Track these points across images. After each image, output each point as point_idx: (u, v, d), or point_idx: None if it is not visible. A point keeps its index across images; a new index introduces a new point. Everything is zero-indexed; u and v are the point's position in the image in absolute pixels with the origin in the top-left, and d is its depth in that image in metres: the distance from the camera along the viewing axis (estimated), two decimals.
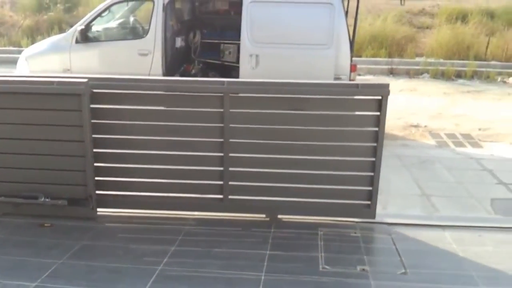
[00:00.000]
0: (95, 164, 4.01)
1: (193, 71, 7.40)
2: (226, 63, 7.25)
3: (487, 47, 15.41)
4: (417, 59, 15.04)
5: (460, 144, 7.20)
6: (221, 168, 4.04)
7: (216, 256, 3.50)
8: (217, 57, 7.41)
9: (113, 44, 6.97)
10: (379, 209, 4.09)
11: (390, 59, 14.49)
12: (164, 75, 6.57)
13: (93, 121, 3.91)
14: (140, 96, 4.02)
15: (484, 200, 5.03)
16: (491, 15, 18.45)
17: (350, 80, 6.36)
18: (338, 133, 4.01)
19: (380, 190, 4.04)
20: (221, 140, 3.98)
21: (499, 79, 13.85)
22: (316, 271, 3.31)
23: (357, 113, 4.05)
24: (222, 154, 4.01)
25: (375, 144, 3.90)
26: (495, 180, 5.69)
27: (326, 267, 3.37)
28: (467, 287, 3.16)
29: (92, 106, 3.88)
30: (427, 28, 18.02)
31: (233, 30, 6.67)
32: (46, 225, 4.00)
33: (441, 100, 9.94)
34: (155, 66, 6.59)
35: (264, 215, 4.16)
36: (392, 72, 14.03)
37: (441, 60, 14.60)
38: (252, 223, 4.05)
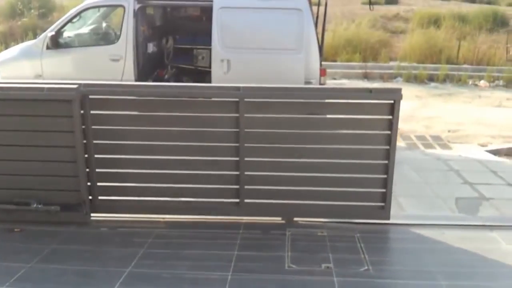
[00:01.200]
0: (87, 170, 4.03)
1: (166, 76, 7.44)
2: (199, 68, 7.31)
3: (458, 51, 15.80)
4: (391, 63, 15.33)
5: (429, 146, 7.39)
6: (237, 173, 4.09)
7: (185, 258, 3.54)
8: (190, 62, 7.47)
9: (84, 50, 6.98)
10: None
11: (364, 63, 14.74)
12: (136, 80, 6.59)
13: (83, 126, 3.93)
14: (140, 102, 4.08)
15: (449, 199, 5.19)
16: (462, 19, 18.91)
17: (320, 84, 6.48)
18: (352, 137, 4.10)
19: None
20: (237, 144, 4.02)
21: (470, 82, 14.20)
22: (282, 270, 3.38)
23: (370, 117, 4.09)
24: (237, 159, 4.05)
25: (388, 147, 4.00)
26: (461, 180, 5.87)
27: (292, 265, 3.44)
28: (426, 282, 3.26)
29: (83, 111, 3.90)
30: (401, 32, 18.38)
31: (206, 36, 6.73)
32: (16, 230, 3.98)
33: (413, 103, 10.16)
34: (127, 72, 6.61)
35: (280, 218, 4.24)
36: (366, 76, 14.26)
37: (414, 64, 14.91)
38: (223, 225, 4.10)
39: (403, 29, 18.60)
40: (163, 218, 4.20)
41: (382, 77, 14.27)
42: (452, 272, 3.39)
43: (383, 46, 16.38)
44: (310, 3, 6.44)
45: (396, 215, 4.54)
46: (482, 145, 7.81)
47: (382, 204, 4.11)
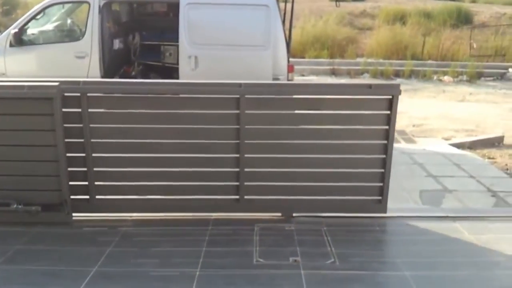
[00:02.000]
0: (69, 169, 3.95)
1: (133, 73, 7.36)
2: (167, 65, 7.26)
3: (423, 47, 16.18)
4: (358, 59, 15.59)
5: (394, 140, 7.54)
6: (237, 169, 4.07)
7: (153, 255, 3.52)
8: (158, 59, 7.42)
9: (49, 47, 6.85)
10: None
11: (332, 60, 14.95)
12: (102, 77, 6.50)
13: (65, 125, 3.85)
14: (135, 100, 4.01)
15: (413, 191, 5.32)
16: (427, 16, 19.38)
17: (288, 80, 6.53)
18: (351, 132, 4.12)
19: None
20: (237, 141, 4.01)
21: (435, 77, 14.58)
22: (250, 265, 3.40)
23: (369, 112, 4.13)
24: (238, 155, 4.04)
25: (385, 142, 4.04)
26: (425, 173, 6.03)
27: (260, 260, 3.47)
28: (391, 273, 3.35)
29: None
30: (368, 29, 18.70)
31: (173, 32, 6.69)
32: None
33: None
34: (93, 69, 6.52)
35: (280, 214, 4.24)
36: (334, 73, 14.47)
37: (381, 60, 15.21)
38: (192, 222, 4.09)
39: (370, 25, 18.92)
40: (131, 216, 4.17)
41: (349, 73, 14.50)
42: (416, 263, 3.48)
43: (350, 43, 16.63)
44: (277, 0, 6.48)
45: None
46: (446, 139, 8.05)
47: (380, 198, 4.19)
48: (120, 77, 7.06)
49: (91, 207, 4.12)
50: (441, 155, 6.85)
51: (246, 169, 4.06)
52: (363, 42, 17.32)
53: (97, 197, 4.09)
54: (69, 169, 4.01)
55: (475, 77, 14.62)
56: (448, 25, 18.83)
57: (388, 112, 3.99)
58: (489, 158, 7.16)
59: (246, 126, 3.97)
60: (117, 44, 7.24)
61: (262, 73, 6.30)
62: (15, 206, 3.89)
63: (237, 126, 3.98)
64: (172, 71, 6.96)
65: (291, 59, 6.74)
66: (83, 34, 6.64)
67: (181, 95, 4.10)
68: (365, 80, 14.18)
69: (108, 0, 6.64)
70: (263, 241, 3.75)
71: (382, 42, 16.22)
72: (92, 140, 3.96)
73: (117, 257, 3.50)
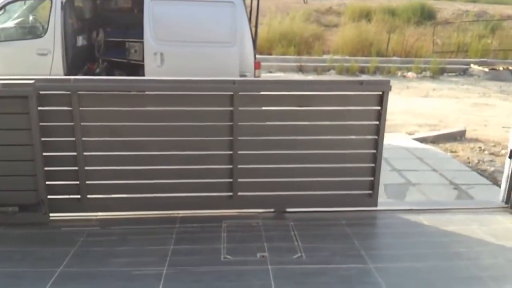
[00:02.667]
0: (46, 168, 3.86)
1: (97, 70, 7.22)
2: (132, 62, 7.16)
3: (388, 44, 16.49)
4: (324, 56, 15.75)
5: None
6: (231, 166, 4.06)
7: (119, 255, 3.48)
8: (123, 56, 7.30)
9: (10, 44, 6.64)
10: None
11: (299, 57, 15.06)
12: (65, 74, 6.36)
13: (41, 124, 3.74)
14: (128, 97, 3.95)
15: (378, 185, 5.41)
16: (392, 13, 19.75)
17: (255, 77, 6.54)
18: (343, 128, 4.15)
19: None
20: (231, 138, 3.99)
21: (399, 73, 14.88)
22: (218, 261, 3.40)
23: (360, 108, 4.16)
24: (231, 152, 4.02)
25: (376, 137, 4.10)
26: (389, 167, 6.15)
27: (228, 256, 3.47)
28: (356, 266, 3.40)
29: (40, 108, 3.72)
30: (334, 26, 18.92)
31: (138, 28, 6.59)
32: None
33: None
34: (56, 66, 6.37)
35: (272, 209, 4.26)
36: (301, 69, 14.58)
37: (346, 57, 15.41)
38: (158, 220, 4.05)
39: (336, 23, 19.15)
40: (96, 215, 4.10)
41: (316, 70, 14.63)
42: (380, 255, 3.56)
43: (316, 40, 16.79)
44: None
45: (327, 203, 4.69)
46: (410, 134, 8.24)
47: (370, 192, 4.26)
48: (84, 75, 6.91)
49: (82, 207, 4.04)
50: (405, 150, 7.00)
51: (239, 166, 4.07)
52: (329, 39, 17.52)
53: (88, 196, 4.02)
54: (59, 168, 3.96)
55: (438, 73, 15.00)
56: (412, 22, 19.27)
57: (379, 107, 4.05)
58: (451, 151, 7.37)
59: (240, 123, 3.98)
60: (80, 41, 7.09)
61: (229, 70, 6.29)
62: None
63: (231, 123, 3.98)
64: (137, 68, 6.86)
65: (258, 56, 6.75)
66: (45, 31, 6.47)
67: (174, 93, 4.04)
68: (332, 76, 14.35)
69: None
70: (231, 238, 3.76)
71: (348, 39, 16.44)
72: (84, 139, 3.88)
73: (82, 257, 3.44)
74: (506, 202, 4.48)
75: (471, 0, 27.46)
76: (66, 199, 4.05)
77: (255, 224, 4.01)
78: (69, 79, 3.93)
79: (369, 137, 4.16)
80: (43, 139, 3.80)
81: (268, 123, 4.11)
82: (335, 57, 15.30)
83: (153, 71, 6.25)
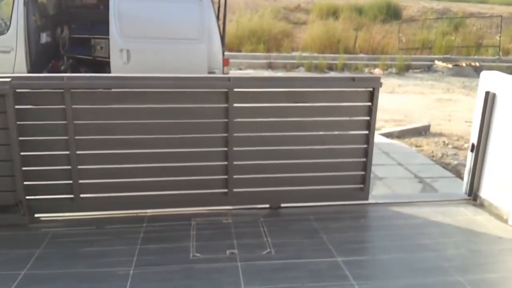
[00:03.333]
0: (24, 168, 3.74)
1: (63, 67, 7.07)
2: (98, 59, 7.03)
3: (355, 41, 16.71)
4: (293, 53, 15.84)
5: None
6: (226, 163, 4.05)
7: (84, 256, 3.41)
8: (88, 53, 7.17)
9: None
10: None
11: (268, 54, 15.09)
12: (29, 72, 6.20)
13: (19, 122, 3.64)
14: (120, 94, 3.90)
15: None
16: (359, 11, 20.02)
17: (223, 74, 6.53)
18: (335, 123, 4.21)
19: None
20: (226, 135, 3.99)
21: (366, 70, 15.10)
22: (187, 260, 3.37)
23: (352, 104, 4.26)
24: (226, 149, 4.02)
25: (367, 132, 4.17)
26: None
27: (197, 254, 3.45)
28: (325, 260, 3.44)
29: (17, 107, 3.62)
30: (303, 23, 19.05)
31: (104, 25, 6.48)
32: None
33: None
34: (19, 64, 6.20)
35: (268, 205, 4.29)
36: (270, 66, 14.62)
37: (315, 54, 15.54)
38: (125, 220, 3.99)
39: (304, 20, 19.29)
40: (61, 216, 4.01)
41: (285, 67, 14.70)
42: (348, 249, 3.61)
43: (285, 37, 16.87)
44: None
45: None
46: (376, 129, 8.35)
47: (362, 185, 4.33)
48: (49, 72, 6.77)
49: (75, 207, 3.96)
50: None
51: (235, 162, 4.07)
52: (298, 36, 17.63)
53: (82, 195, 3.94)
54: (52, 167, 3.89)
55: (403, 70, 15.30)
56: (378, 20, 19.59)
57: (370, 103, 4.15)
58: (416, 146, 7.54)
59: (235, 120, 3.98)
60: (44, 37, 6.92)
61: (197, 67, 6.26)
62: None
63: (226, 120, 3.98)
64: (103, 65, 6.75)
65: (227, 53, 6.74)
66: (7, 28, 6.28)
67: (170, 90, 4.00)
68: (301, 73, 14.44)
69: None
70: (200, 236, 3.74)
71: (316, 36, 16.59)
72: (76, 137, 3.79)
73: (47, 259, 3.36)
74: (469, 195, 4.62)
75: None
76: (56, 199, 3.96)
77: (225, 221, 4.01)
78: (62, 77, 3.84)
79: (361, 132, 4.25)
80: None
81: (262, 119, 4.15)
82: (304, 54, 15.41)
83: (119, 68, 6.16)
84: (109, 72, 6.29)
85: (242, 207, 4.27)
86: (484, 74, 4.55)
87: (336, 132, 4.28)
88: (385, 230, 3.97)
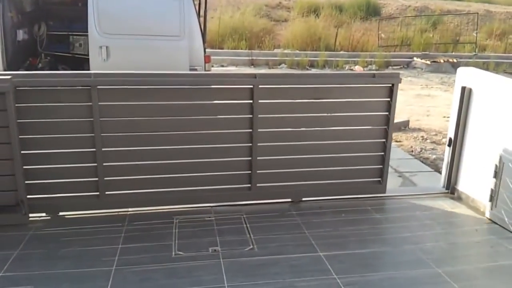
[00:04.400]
0: (25, 167, 3.71)
1: (40, 65, 6.95)
2: (77, 56, 6.94)
3: (336, 38, 16.81)
4: (275, 50, 15.86)
5: None
6: (250, 158, 4.13)
7: (64, 256, 3.37)
8: (67, 50, 7.07)
9: None
10: None
11: (250, 51, 15.09)
12: (5, 69, 6.07)
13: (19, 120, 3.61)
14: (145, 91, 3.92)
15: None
16: (339, 8, 20.13)
17: (205, 71, 6.51)
18: (355, 118, 4.33)
19: None
20: (250, 130, 4.05)
21: (346, 67, 15.21)
22: (169, 258, 3.36)
23: (372, 99, 4.37)
24: (250, 144, 4.07)
25: (386, 127, 4.30)
26: None
27: (179, 253, 3.44)
28: (307, 255, 3.47)
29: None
30: (284, 21, 19.09)
31: (83, 22, 6.39)
32: None
33: None
34: None
35: (289, 200, 4.38)
36: (253, 63, 14.62)
37: (297, 51, 15.59)
38: (106, 219, 3.95)
39: (286, 17, 19.31)
40: (40, 216, 3.96)
41: (267, 64, 14.71)
42: (329, 243, 3.64)
43: (267, 34, 16.88)
44: None
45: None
46: None
47: (380, 179, 4.45)
48: (26, 70, 6.64)
49: (101, 204, 3.98)
50: None
51: (258, 158, 4.14)
52: (279, 34, 17.66)
53: (107, 192, 3.95)
54: (80, 165, 3.89)
55: (383, 66, 15.46)
56: (358, 18, 19.74)
57: (389, 99, 4.26)
58: (396, 141, 7.63)
59: (260, 115, 4.04)
60: (21, 35, 6.78)
61: (179, 64, 6.23)
62: None
63: (251, 116, 4.05)
64: (82, 62, 6.65)
65: (209, 50, 6.73)
66: None
67: (196, 87, 4.06)
68: (283, 70, 14.48)
69: None
70: (183, 234, 3.73)
71: (298, 33, 16.64)
72: (103, 134, 3.80)
73: (25, 260, 3.31)
74: (447, 188, 4.71)
75: None
76: (80, 197, 3.98)
77: (207, 218, 4.01)
78: (90, 74, 3.83)
79: (380, 127, 4.37)
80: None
81: (285, 115, 4.22)
82: (286, 51, 15.44)
83: (98, 65, 6.09)
84: (88, 69, 6.21)
85: (223, 204, 4.28)
86: (460, 70, 4.63)
87: (356, 127, 4.39)
88: (365, 224, 4.01)
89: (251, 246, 3.55)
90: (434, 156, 6.68)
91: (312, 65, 14.90)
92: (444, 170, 4.81)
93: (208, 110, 4.09)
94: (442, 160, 5.11)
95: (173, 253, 3.44)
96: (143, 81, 3.97)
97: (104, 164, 3.89)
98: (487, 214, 4.17)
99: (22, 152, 3.69)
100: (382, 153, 4.43)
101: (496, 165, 4.03)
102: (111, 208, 4.03)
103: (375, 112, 4.39)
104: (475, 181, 4.40)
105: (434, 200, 4.58)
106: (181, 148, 4.09)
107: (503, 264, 3.47)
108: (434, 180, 4.84)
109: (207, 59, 6.59)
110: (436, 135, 8.12)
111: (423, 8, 22.50)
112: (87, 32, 6.24)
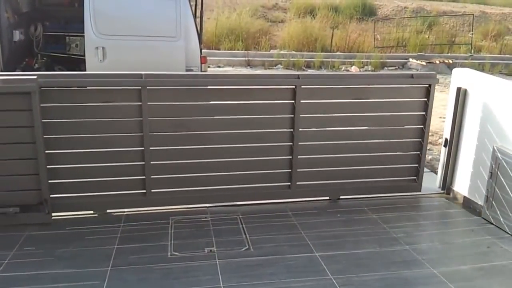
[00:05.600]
0: (49, 166, 3.74)
1: (36, 66, 6.93)
2: (73, 56, 6.93)
3: (332, 39, 16.82)
4: (271, 51, 15.85)
5: None
6: (290, 157, 4.22)
7: (60, 256, 3.36)
8: (63, 50, 7.05)
9: None
10: None
11: (246, 52, 15.07)
12: (2, 70, 6.06)
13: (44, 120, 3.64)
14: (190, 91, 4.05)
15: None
16: (335, 9, 20.14)
17: (201, 71, 6.50)
18: (393, 118, 4.41)
19: None
20: (291, 130, 4.13)
21: (343, 68, 15.22)
22: (165, 259, 3.37)
23: (410, 99, 4.46)
24: (291, 144, 4.15)
25: (422, 126, 4.38)
26: None
27: (175, 253, 3.45)
28: (303, 255, 3.48)
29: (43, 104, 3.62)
30: (280, 22, 19.09)
31: (79, 22, 6.37)
32: None
33: None
34: None
35: (327, 197, 4.48)
36: (249, 64, 14.60)
37: (293, 52, 15.57)
38: (102, 220, 3.95)
39: (282, 18, 19.31)
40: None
41: (264, 65, 14.71)
42: (325, 243, 3.65)
43: (263, 35, 16.87)
44: None
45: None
46: None
47: (415, 177, 4.54)
48: (22, 70, 6.62)
49: (147, 201, 4.05)
50: None
51: (299, 156, 4.21)
52: (276, 35, 17.66)
53: (153, 190, 4.02)
54: (128, 163, 3.97)
55: (379, 67, 15.47)
56: (354, 19, 19.77)
57: (426, 99, 4.35)
58: None
59: (301, 115, 4.11)
60: (17, 35, 6.76)
61: (175, 64, 6.21)
62: None
63: (292, 115, 4.12)
64: (79, 63, 6.64)
65: (206, 51, 6.73)
66: None
67: (240, 87, 4.16)
68: (279, 71, 14.48)
69: None
70: (179, 234, 3.73)
71: (294, 34, 16.64)
72: (151, 134, 3.89)
73: (22, 260, 3.30)
74: (443, 188, 4.73)
75: None
76: (127, 195, 4.06)
77: (203, 219, 4.01)
78: (140, 75, 3.87)
79: (416, 126, 4.45)
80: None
81: (325, 115, 4.30)
82: (282, 52, 15.44)
83: (94, 65, 6.07)
84: (84, 69, 6.20)
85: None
86: (456, 71, 4.65)
87: (394, 127, 4.47)
88: (362, 224, 4.03)
89: (247, 247, 3.56)
90: (430, 157, 6.68)
91: (308, 66, 14.91)
92: (440, 171, 4.82)
93: (251, 110, 4.18)
94: (438, 160, 5.13)
95: (169, 253, 3.44)
96: (191, 82, 4.11)
97: (152, 162, 3.97)
98: (483, 215, 4.18)
99: (46, 151, 3.72)
100: (418, 152, 4.51)
101: (491, 166, 4.04)
102: (156, 206, 4.11)
103: (412, 112, 4.47)
104: (471, 181, 4.42)
105: (430, 200, 4.60)
106: (223, 147, 4.17)
107: (499, 264, 3.49)
108: (430, 180, 4.85)
109: (203, 59, 6.59)
110: (432, 135, 8.12)
111: (419, 9, 22.56)
112: (83, 32, 6.23)
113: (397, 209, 4.34)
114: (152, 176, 4.01)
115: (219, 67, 14.10)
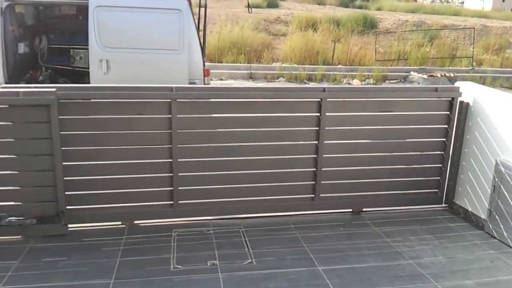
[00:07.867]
0: (65, 178, 3.76)
1: (41, 78, 7.00)
2: (77, 69, 6.99)
3: (333, 53, 16.91)
4: (274, 64, 15.94)
5: None
6: (314, 169, 4.23)
7: (63, 269, 3.35)
8: (67, 63, 7.12)
9: None
10: None
11: (249, 65, 15.16)
12: (6, 82, 6.12)
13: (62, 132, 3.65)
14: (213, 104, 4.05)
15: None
16: (337, 23, 20.28)
17: (204, 84, 6.55)
18: (416, 131, 4.44)
19: None
20: (316, 142, 4.17)
21: (344, 81, 15.28)
22: (167, 272, 3.35)
23: (432, 112, 4.49)
24: (315, 156, 4.13)
25: (445, 139, 4.44)
26: None
27: (178, 266, 3.43)
28: (305, 269, 3.46)
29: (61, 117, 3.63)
30: (282, 35, 19.22)
31: (84, 35, 6.46)
32: None
33: None
34: None
35: (350, 210, 4.48)
36: (251, 77, 14.68)
37: (295, 65, 15.66)
38: (104, 232, 3.94)
39: (284, 31, 19.44)
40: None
41: (266, 78, 14.78)
42: (328, 257, 3.64)
43: (266, 48, 16.97)
44: (190, 4, 6.49)
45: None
46: None
47: (437, 190, 4.56)
48: (27, 83, 6.68)
49: (174, 212, 4.08)
50: None
51: (323, 169, 4.22)
52: (278, 48, 17.78)
53: (180, 202, 4.05)
54: (156, 175, 4.00)
55: (380, 80, 15.53)
56: (356, 32, 19.90)
57: (448, 112, 4.39)
58: None
59: (326, 128, 4.14)
60: (22, 48, 6.85)
61: (178, 77, 6.28)
62: (7, 219, 3.65)
63: (317, 128, 4.14)
64: (82, 75, 6.71)
65: (208, 64, 6.79)
66: None
67: (267, 100, 4.18)
68: (281, 84, 14.55)
69: (11, 2, 6.27)
70: (181, 247, 3.72)
71: (296, 47, 16.75)
72: (179, 146, 3.92)
73: (24, 272, 3.29)
74: (445, 202, 4.71)
75: (411, 11, 28.72)
76: (155, 206, 4.07)
77: (206, 232, 4.00)
78: (171, 87, 3.90)
79: (439, 139, 4.49)
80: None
81: (350, 127, 4.33)
82: (284, 65, 15.53)
83: (98, 78, 6.13)
84: (88, 82, 6.26)
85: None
86: (457, 84, 4.67)
87: (417, 140, 4.50)
88: (363, 238, 4.01)
89: (250, 260, 3.55)
90: None
91: (310, 79, 14.98)
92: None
93: (278, 123, 4.20)
94: None
95: (172, 266, 3.43)
96: (220, 95, 4.13)
97: (179, 174, 3.99)
98: (486, 229, 4.17)
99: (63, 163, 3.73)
100: (440, 165, 4.53)
101: (494, 179, 4.04)
102: (183, 217, 4.13)
103: (436, 125, 4.51)
104: (474, 195, 4.41)
105: (432, 214, 4.59)
106: (248, 159, 4.19)
107: (503, 279, 3.47)
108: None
109: (206, 72, 6.66)
110: None
111: (420, 23, 22.71)
112: (88, 45, 6.30)
113: (399, 223, 4.33)
114: (180, 188, 4.05)
115: (221, 79, 14.17)
